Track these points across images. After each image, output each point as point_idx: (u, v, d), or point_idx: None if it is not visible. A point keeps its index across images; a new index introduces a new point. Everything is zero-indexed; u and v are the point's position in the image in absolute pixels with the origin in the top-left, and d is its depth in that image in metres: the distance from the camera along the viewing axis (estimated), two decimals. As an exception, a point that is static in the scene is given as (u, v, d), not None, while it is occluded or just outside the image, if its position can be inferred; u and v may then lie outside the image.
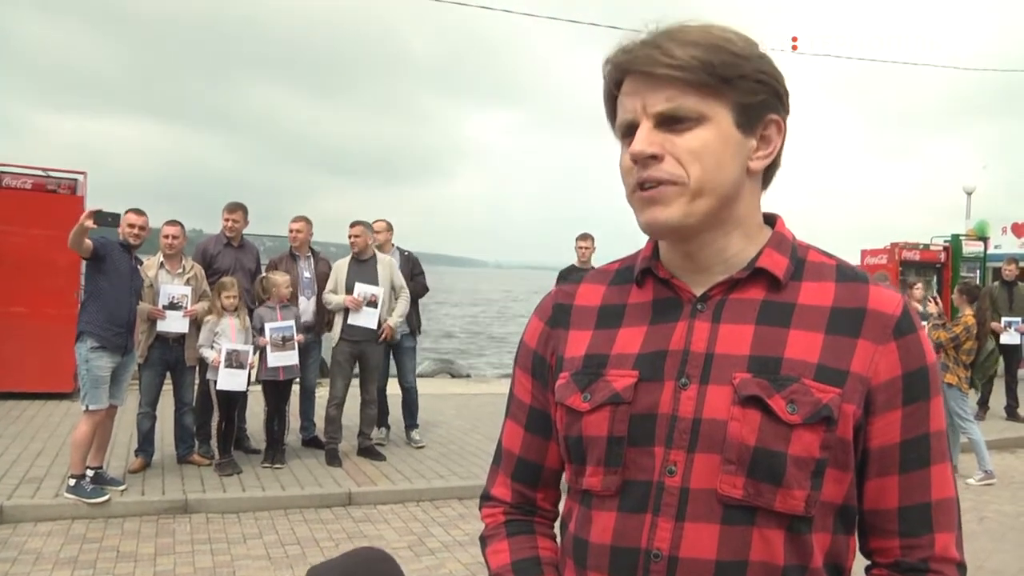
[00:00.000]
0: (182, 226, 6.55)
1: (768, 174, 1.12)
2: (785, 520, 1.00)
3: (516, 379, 1.26)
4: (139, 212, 5.93)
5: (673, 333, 1.08)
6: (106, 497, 5.54)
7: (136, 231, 5.86)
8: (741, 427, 1.00)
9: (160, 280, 6.28)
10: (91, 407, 5.51)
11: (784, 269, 1.08)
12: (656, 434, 1.04)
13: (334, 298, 6.84)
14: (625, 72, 1.05)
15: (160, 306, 6.20)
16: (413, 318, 7.57)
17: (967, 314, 7.34)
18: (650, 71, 1.01)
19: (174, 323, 6.25)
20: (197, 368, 6.62)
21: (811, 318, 1.05)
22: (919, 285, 9.90)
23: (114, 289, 5.63)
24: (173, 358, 6.39)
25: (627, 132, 1.06)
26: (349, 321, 6.80)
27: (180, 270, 6.42)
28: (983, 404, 10.00)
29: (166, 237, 6.40)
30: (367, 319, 6.80)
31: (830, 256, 1.13)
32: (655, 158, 1.02)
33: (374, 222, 7.44)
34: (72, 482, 5.53)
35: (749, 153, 1.06)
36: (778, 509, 1.00)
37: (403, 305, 7.04)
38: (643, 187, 1.04)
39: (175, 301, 6.25)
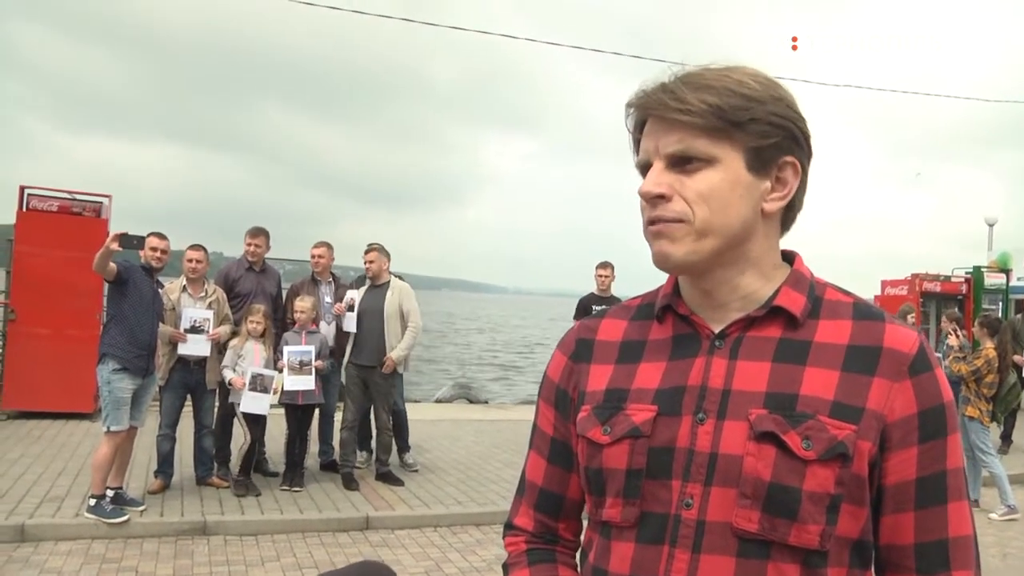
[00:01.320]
0: (205, 251, 6.64)
1: (788, 215, 1.14)
2: (800, 554, 1.02)
3: (539, 411, 1.29)
4: (161, 236, 6.02)
5: (691, 369, 1.11)
6: (126, 517, 5.58)
7: (158, 254, 5.95)
8: (756, 462, 1.02)
9: (182, 304, 6.36)
10: (112, 428, 5.58)
11: (801, 307, 1.11)
12: (674, 467, 1.07)
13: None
14: (644, 115, 1.10)
15: (182, 329, 6.27)
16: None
17: (988, 347, 7.27)
18: (663, 115, 1.06)
19: (195, 347, 6.32)
20: (218, 391, 6.69)
21: (827, 356, 1.07)
22: (943, 320, 9.84)
23: (136, 312, 5.71)
24: (194, 381, 6.46)
25: (644, 172, 1.11)
26: (344, 329, 7.01)
27: (202, 294, 6.50)
28: (1006, 438, 9.88)
29: (189, 261, 6.49)
30: (351, 323, 6.97)
31: (847, 293, 1.15)
32: (663, 198, 1.06)
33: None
34: (92, 502, 5.58)
35: (763, 195, 1.09)
36: (792, 543, 1.01)
37: (409, 338, 7.02)
38: (650, 227, 1.09)
39: (197, 325, 6.32)
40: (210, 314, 6.38)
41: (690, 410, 1.08)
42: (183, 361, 6.37)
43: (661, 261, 1.09)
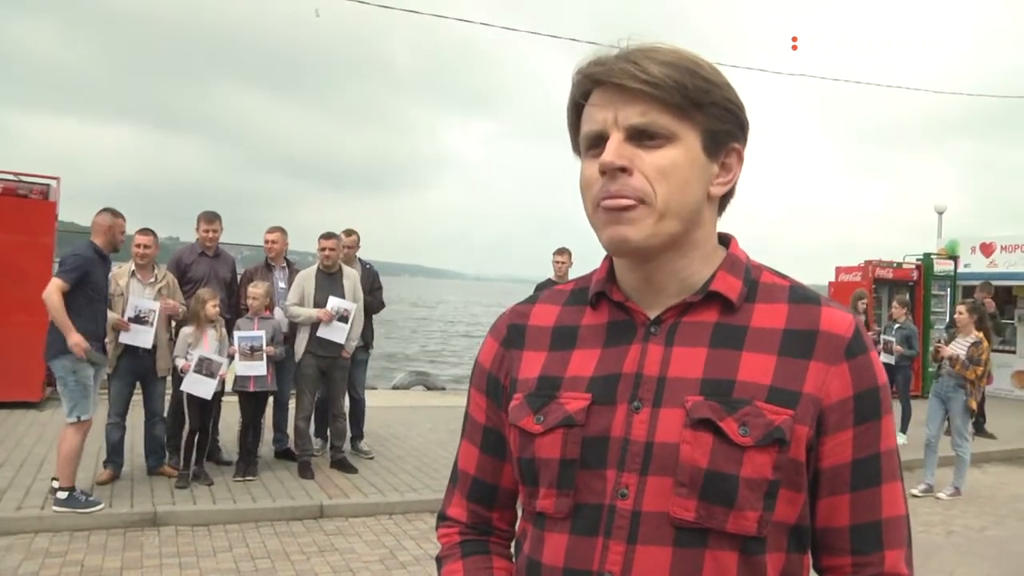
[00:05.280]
0: (154, 235, 6.47)
1: (723, 202, 1.13)
2: (738, 541, 1.01)
3: (471, 399, 1.26)
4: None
5: (626, 356, 1.08)
6: (101, 505, 5.56)
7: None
8: (693, 450, 1.01)
9: (131, 290, 6.21)
10: (82, 417, 5.49)
11: (737, 292, 1.09)
12: (608, 457, 1.04)
13: (303, 311, 6.76)
14: (596, 83, 1.05)
15: (126, 318, 6.11)
16: (367, 332, 7.60)
17: (982, 337, 7.36)
18: (625, 84, 1.01)
19: (138, 336, 6.13)
20: (170, 379, 6.57)
21: (764, 340, 1.06)
22: (894, 305, 9.99)
23: (92, 305, 5.61)
24: (143, 368, 6.30)
25: (592, 143, 1.05)
26: (319, 334, 6.77)
27: (152, 279, 6.36)
28: (977, 422, 10.13)
29: (138, 246, 6.32)
30: (337, 334, 6.80)
31: (784, 277, 1.14)
32: (624, 171, 1.02)
33: (347, 231, 7.50)
34: (63, 495, 5.47)
35: (711, 178, 1.07)
36: (730, 531, 1.00)
37: (357, 327, 7.01)
38: (607, 201, 1.03)
39: (142, 315, 6.14)
40: (156, 305, 6.19)
41: (625, 398, 1.05)
42: (132, 348, 6.21)
43: (618, 244, 1.05)
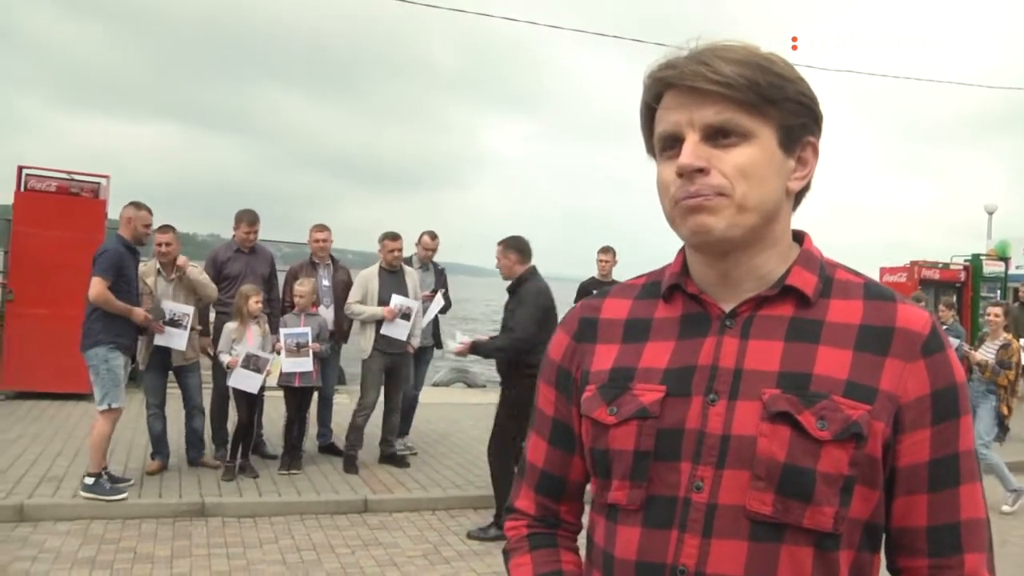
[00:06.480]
0: (174, 231, 6.40)
1: (799, 196, 1.12)
2: (813, 537, 1.00)
3: (540, 392, 1.26)
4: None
5: (701, 349, 1.08)
6: (124, 495, 5.62)
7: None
8: (770, 443, 1.00)
9: (158, 288, 6.25)
10: (113, 405, 5.63)
11: (813, 287, 1.09)
12: (683, 449, 1.04)
13: (367, 309, 6.82)
14: (668, 86, 1.05)
15: (160, 321, 6.16)
16: (437, 331, 7.73)
17: (1013, 341, 7.19)
18: (698, 86, 1.01)
19: (173, 339, 6.21)
20: (210, 373, 6.69)
21: (840, 335, 1.05)
22: (940, 308, 9.82)
23: (126, 297, 5.73)
24: (170, 360, 6.39)
25: (667, 145, 1.06)
26: (383, 331, 6.84)
27: (174, 276, 6.36)
28: (1003, 426, 9.90)
29: (159, 245, 6.31)
30: (400, 331, 6.87)
31: (858, 274, 1.13)
32: (702, 172, 1.01)
33: (431, 234, 7.76)
34: (91, 481, 5.59)
35: (788, 174, 1.07)
36: (807, 526, 1.00)
37: (419, 324, 7.14)
38: (688, 201, 1.03)
39: (176, 318, 6.22)
40: (190, 309, 6.26)
41: (700, 390, 1.05)
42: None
43: (701, 233, 1.04)
